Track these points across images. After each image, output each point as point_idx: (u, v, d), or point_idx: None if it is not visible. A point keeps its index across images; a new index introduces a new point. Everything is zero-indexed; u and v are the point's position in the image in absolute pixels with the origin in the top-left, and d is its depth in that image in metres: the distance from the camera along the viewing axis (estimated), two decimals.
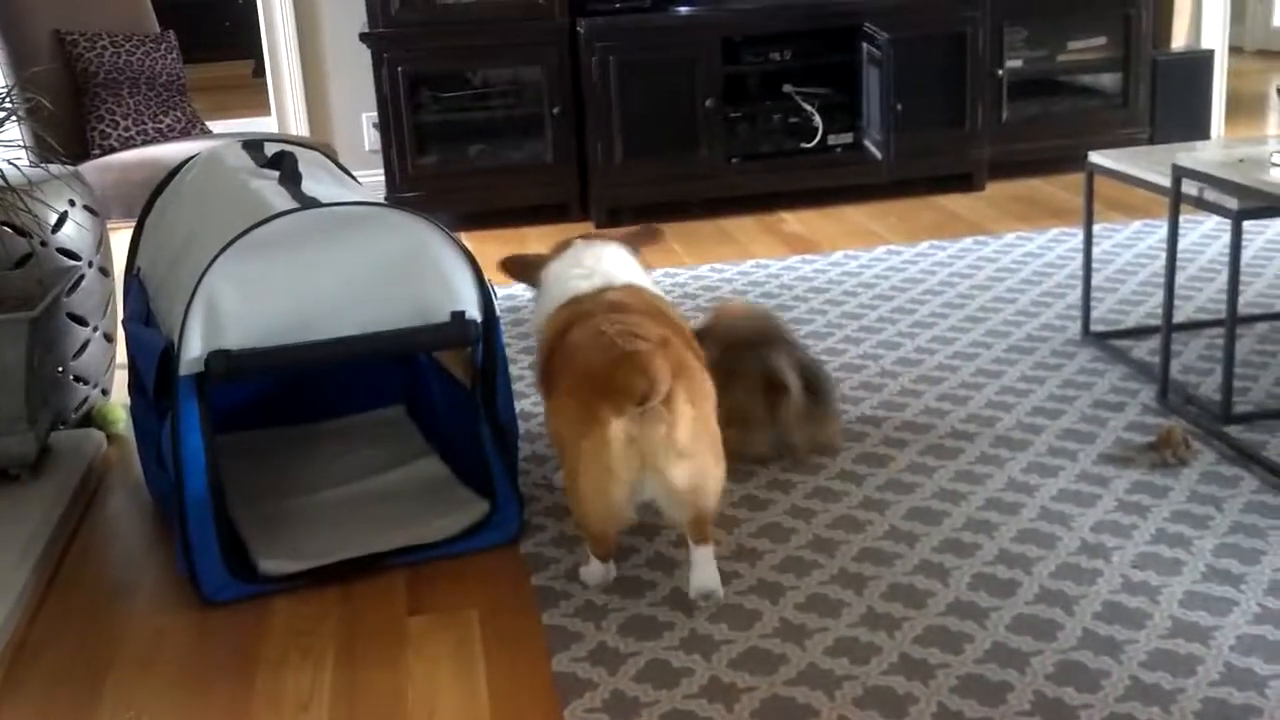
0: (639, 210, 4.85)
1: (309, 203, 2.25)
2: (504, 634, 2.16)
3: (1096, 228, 4.29)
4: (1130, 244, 4.14)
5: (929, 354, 3.27)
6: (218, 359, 2.17)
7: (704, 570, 2.18)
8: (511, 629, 2.18)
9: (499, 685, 2.02)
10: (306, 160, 2.65)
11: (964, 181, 5.03)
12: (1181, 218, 4.13)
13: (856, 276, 3.97)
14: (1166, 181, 2.84)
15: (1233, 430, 2.71)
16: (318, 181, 2.49)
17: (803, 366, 2.69)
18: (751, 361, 2.65)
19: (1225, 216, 2.69)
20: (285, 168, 2.45)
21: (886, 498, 2.53)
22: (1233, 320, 2.72)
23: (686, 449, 2.07)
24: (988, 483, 2.56)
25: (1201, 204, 2.78)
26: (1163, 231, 4.16)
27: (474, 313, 2.33)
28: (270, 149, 2.68)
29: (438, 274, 2.30)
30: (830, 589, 2.22)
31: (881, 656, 2.02)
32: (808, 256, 4.23)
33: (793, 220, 4.75)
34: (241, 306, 2.18)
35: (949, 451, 2.71)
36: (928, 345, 3.34)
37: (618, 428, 2.02)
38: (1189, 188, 2.79)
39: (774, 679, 1.97)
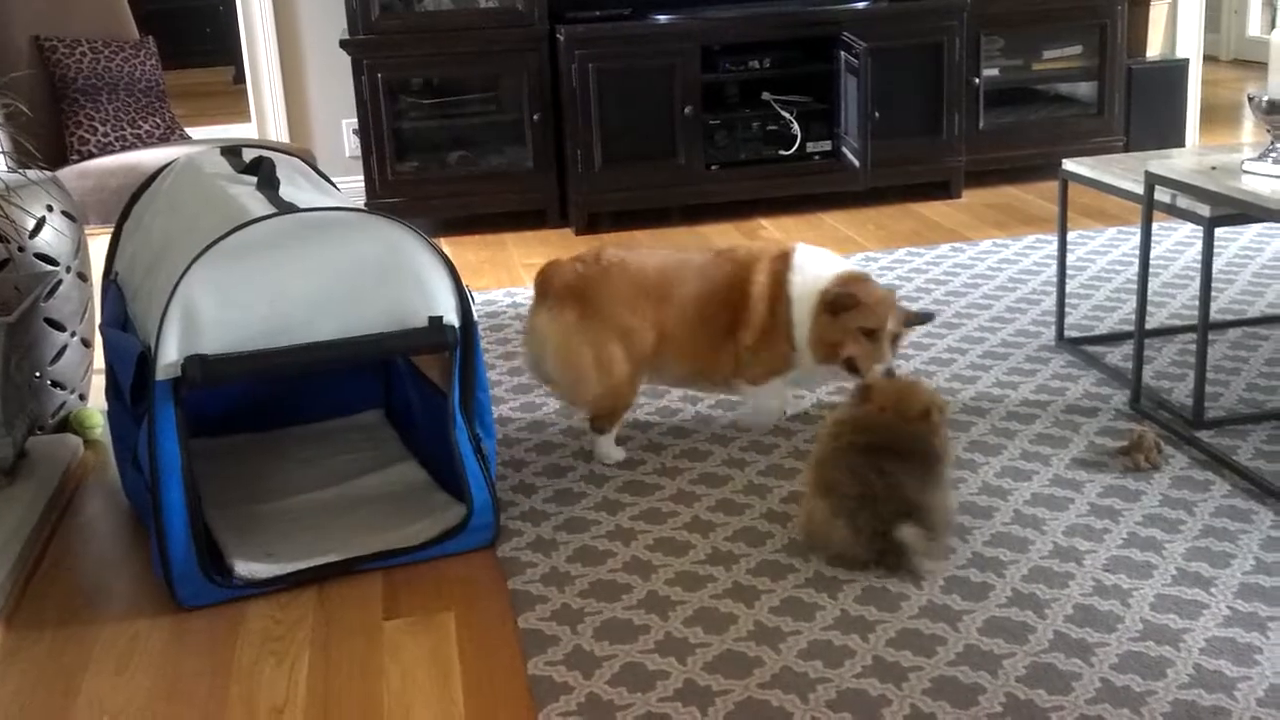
0: (618, 217, 4.87)
1: (286, 208, 2.26)
2: (480, 638, 2.17)
3: (1072, 235, 4.33)
4: (1104, 251, 4.17)
5: (905, 360, 3.29)
6: (194, 364, 2.17)
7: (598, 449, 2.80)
8: (488, 633, 2.18)
9: (475, 689, 2.03)
10: (284, 166, 2.65)
11: (941, 189, 5.06)
12: (1155, 225, 4.17)
13: None
14: (1139, 189, 2.86)
15: (1204, 435, 2.73)
16: (295, 187, 2.50)
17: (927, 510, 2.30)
18: (863, 487, 2.28)
19: (1197, 223, 2.71)
20: (263, 173, 2.46)
21: None
22: (1205, 326, 2.74)
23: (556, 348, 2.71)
24: (962, 487, 2.58)
25: (1174, 211, 2.81)
26: (1136, 238, 4.19)
27: (451, 318, 2.34)
28: (248, 155, 2.69)
29: (415, 279, 2.31)
30: (805, 592, 2.23)
31: (855, 659, 2.03)
32: None
33: (771, 227, 4.77)
34: (218, 312, 2.19)
35: None
36: (904, 351, 3.36)
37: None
38: (1162, 195, 2.82)
39: (748, 681, 1.99)
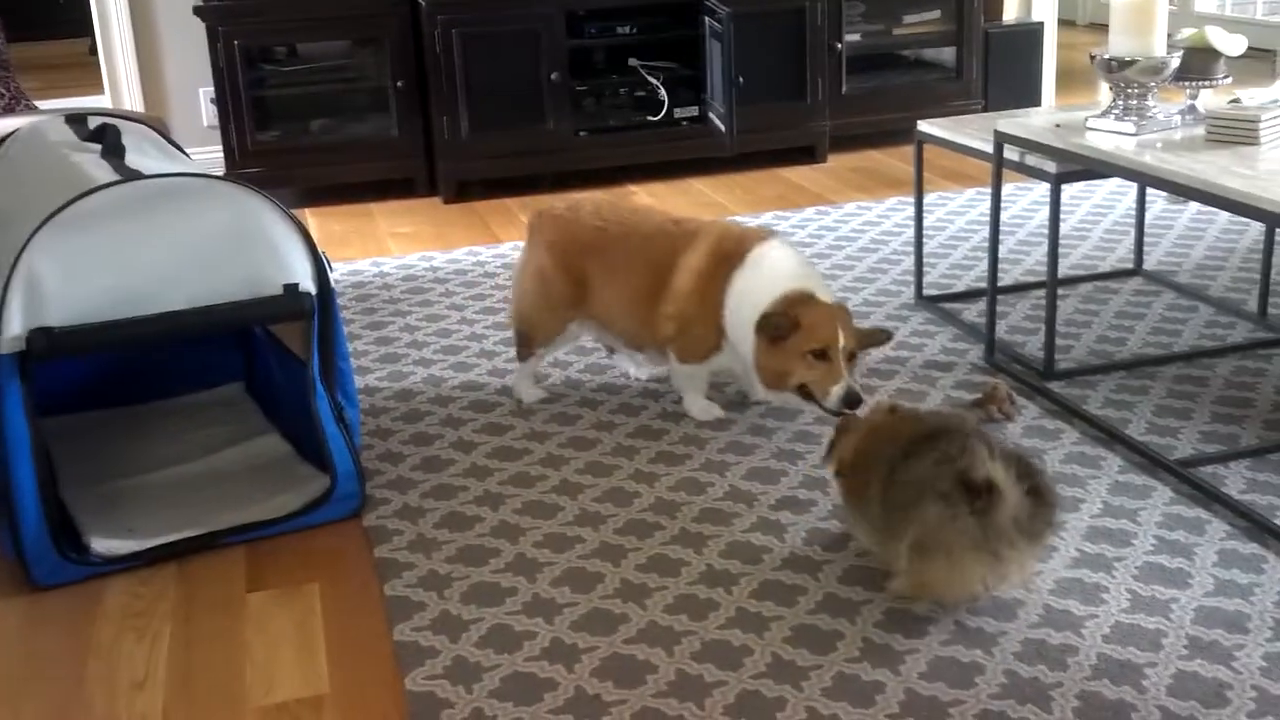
0: (487, 185, 4.83)
1: (131, 175, 2.20)
2: (345, 607, 2.16)
3: (932, 196, 4.43)
4: (963, 211, 4.27)
5: None
6: (39, 337, 2.10)
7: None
8: (353, 602, 2.17)
9: (340, 658, 2.02)
10: (132, 133, 2.58)
11: (806, 154, 5.13)
12: (1011, 185, 4.28)
13: None
14: (989, 148, 2.94)
15: (1055, 386, 2.83)
16: (143, 155, 2.43)
17: (1012, 458, 1.96)
18: (936, 460, 1.96)
19: (1045, 180, 2.80)
20: (108, 141, 2.39)
21: (727, 459, 2.59)
22: (1054, 282, 2.83)
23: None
24: (823, 442, 2.62)
25: (1023, 169, 2.89)
26: None
27: (307, 285, 2.30)
28: (94, 123, 2.61)
29: (268, 246, 2.27)
30: (671, 549, 2.26)
31: (719, 612, 2.06)
32: None
33: (641, 193, 4.79)
34: (63, 283, 2.12)
35: (788, 414, 2.77)
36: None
37: None
38: (1012, 154, 2.90)
39: (614, 638, 2.01)
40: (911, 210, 4.28)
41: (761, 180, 4.90)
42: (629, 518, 2.38)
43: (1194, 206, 4.11)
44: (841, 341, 2.47)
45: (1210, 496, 2.31)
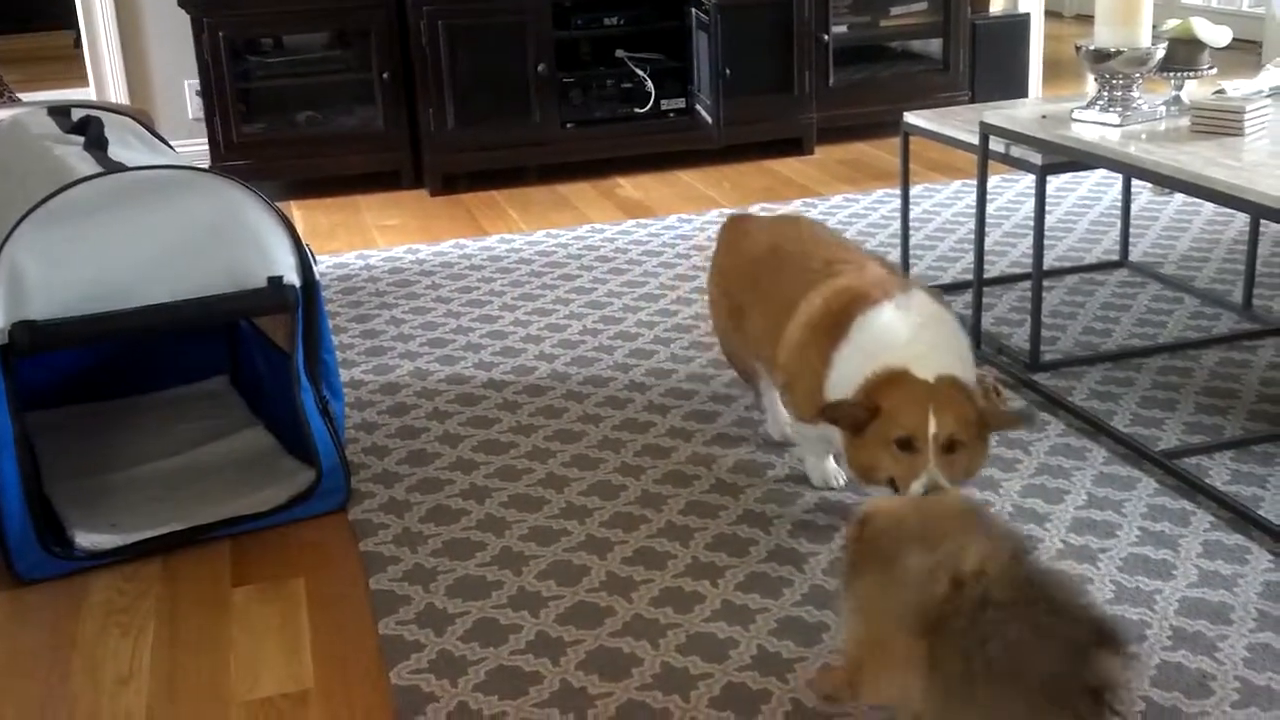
0: (474, 177, 4.82)
1: (114, 167, 2.19)
2: (330, 601, 2.15)
3: (919, 188, 4.43)
4: (950, 203, 4.27)
5: None
6: (22, 330, 2.09)
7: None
8: (338, 596, 2.17)
9: (324, 652, 2.01)
10: (115, 126, 2.57)
11: (793, 146, 5.12)
12: (997, 177, 4.28)
13: (690, 240, 4.02)
14: (975, 139, 2.94)
15: (1041, 378, 2.83)
16: (126, 147, 2.42)
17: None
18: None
19: (1030, 171, 2.80)
20: (91, 133, 2.37)
21: (714, 452, 2.58)
22: (1039, 273, 2.84)
23: None
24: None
25: (1009, 160, 2.89)
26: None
27: (292, 278, 2.29)
28: (77, 115, 2.59)
29: (252, 239, 2.26)
30: (657, 543, 2.26)
31: (705, 604, 2.07)
32: (642, 221, 4.26)
33: (628, 185, 4.78)
34: (46, 276, 2.11)
35: None
36: None
37: None
38: (997, 145, 2.90)
39: (600, 631, 2.01)
40: (898, 202, 4.29)
41: (749, 172, 4.89)
42: (615, 510, 2.38)
43: (1179, 198, 4.12)
44: (933, 428, 2.02)
45: (1195, 488, 2.31)
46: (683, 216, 4.28)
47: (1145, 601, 2.00)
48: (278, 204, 2.34)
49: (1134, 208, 4.01)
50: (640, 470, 2.53)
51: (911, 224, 4.00)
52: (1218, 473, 2.37)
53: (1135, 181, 4.12)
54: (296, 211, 4.57)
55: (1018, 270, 3.56)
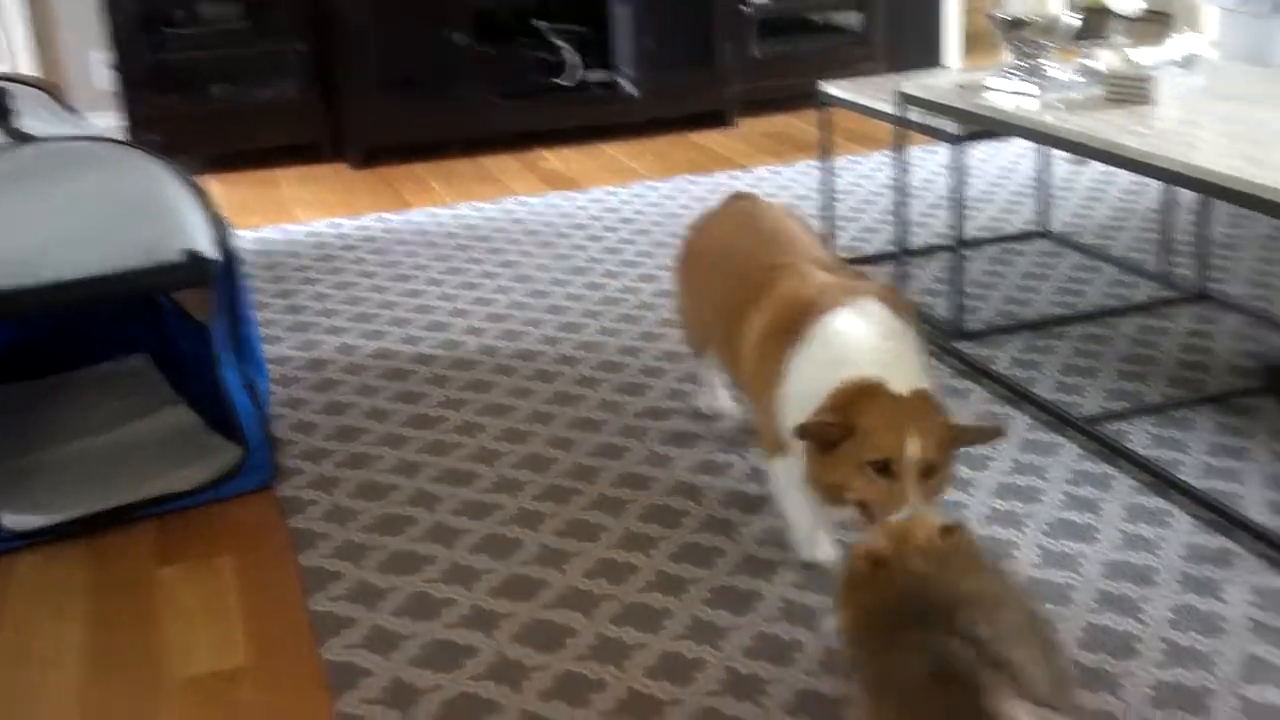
0: (396, 150, 4.76)
1: (22, 138, 2.13)
2: (260, 579, 2.12)
3: (842, 160, 4.46)
4: (873, 174, 4.31)
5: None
6: None
7: None
8: (267, 573, 2.14)
9: (255, 630, 1.99)
10: (25, 97, 2.50)
11: (717, 119, 5.13)
12: (920, 149, 4.32)
13: (615, 212, 4.01)
14: (892, 109, 2.96)
15: (964, 347, 2.87)
16: (36, 119, 2.36)
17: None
18: None
19: (947, 141, 2.83)
20: None
21: (644, 424, 2.59)
22: (959, 243, 2.87)
23: None
24: (739, 404, 2.64)
25: (926, 130, 2.92)
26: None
27: (209, 251, 2.25)
28: None
29: (167, 213, 2.21)
30: (590, 515, 2.26)
31: (638, 575, 2.07)
32: (567, 193, 4.24)
33: (552, 158, 4.75)
34: None
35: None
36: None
37: None
38: (914, 115, 2.92)
39: (534, 603, 2.00)
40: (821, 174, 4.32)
41: (673, 145, 4.89)
42: (547, 483, 2.37)
43: (1096, 168, 4.19)
44: (912, 451, 1.83)
45: (1116, 453, 2.36)
46: (607, 189, 4.27)
47: (1070, 565, 2.04)
48: (194, 179, 2.28)
49: (1053, 178, 4.07)
50: (571, 443, 2.52)
51: (835, 196, 4.02)
52: (1138, 438, 2.42)
53: (1053, 152, 4.18)
54: (215, 186, 4.49)
55: (940, 241, 3.60)
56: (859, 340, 1.95)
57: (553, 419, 2.62)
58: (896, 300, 2.07)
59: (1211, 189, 2.10)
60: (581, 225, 3.89)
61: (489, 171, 4.58)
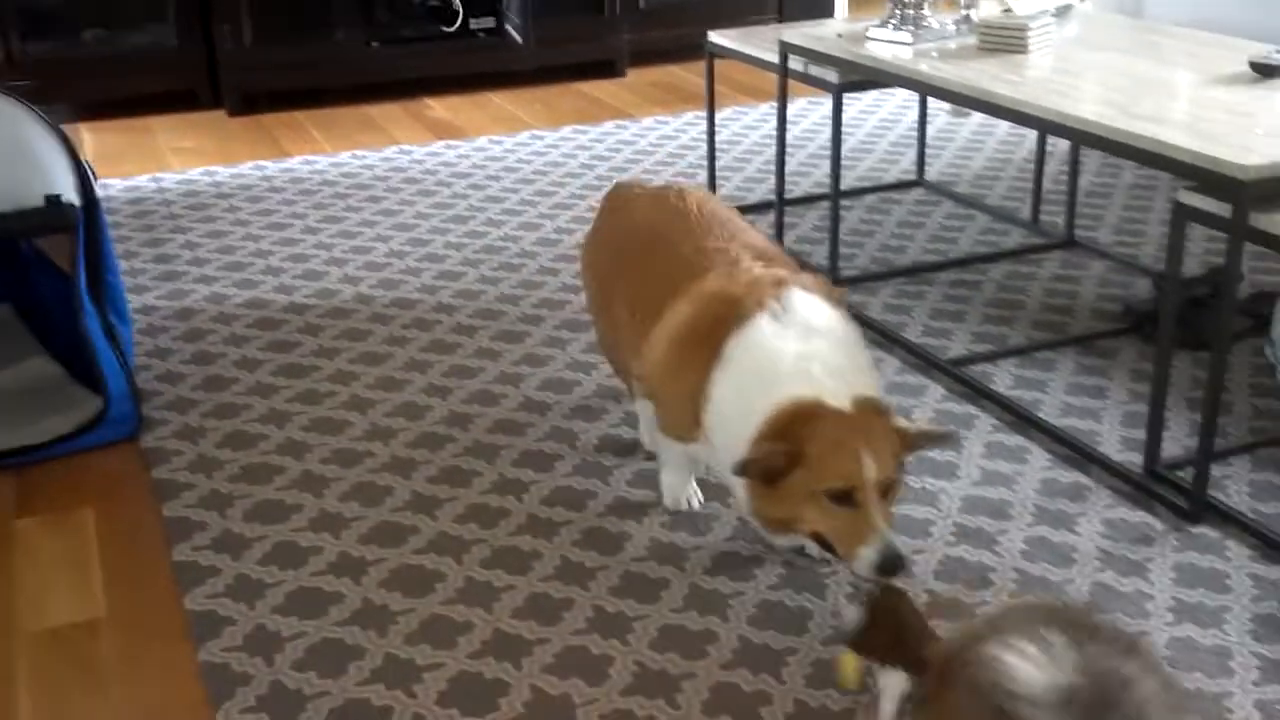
0: (274, 97, 4.66)
1: None
2: (122, 530, 2.08)
3: (729, 111, 4.47)
4: (758, 125, 4.33)
5: (567, 233, 3.33)
6: None
7: None
8: (130, 525, 2.10)
9: (116, 581, 1.95)
10: None
11: (606, 68, 5.10)
12: (804, 100, 4.34)
13: (500, 161, 3.98)
14: (776, 58, 2.97)
15: (838, 293, 2.90)
16: None
17: None
18: None
19: (827, 90, 2.85)
20: None
21: (521, 371, 2.58)
22: (836, 192, 2.90)
23: None
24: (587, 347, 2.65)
25: (807, 79, 2.93)
26: (789, 112, 4.36)
27: (71, 196, 2.19)
28: None
29: (26, 156, 2.14)
30: (463, 461, 2.25)
31: (510, 519, 2.07)
32: (452, 142, 4.19)
33: (438, 106, 4.69)
34: None
35: (583, 325, 2.78)
36: (567, 226, 3.40)
37: None
38: (797, 65, 2.94)
39: (404, 549, 2.00)
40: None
41: (561, 94, 4.85)
42: (421, 431, 2.36)
43: (976, 119, 4.25)
44: (871, 473, 1.68)
45: (979, 393, 2.41)
46: (493, 138, 4.23)
47: (931, 501, 2.09)
48: (65, 126, 2.21)
49: (931, 129, 4.13)
50: (447, 391, 2.51)
51: (720, 146, 4.04)
52: (1001, 378, 2.48)
53: (933, 103, 4.23)
54: (86, 134, 4.35)
55: (820, 190, 3.63)
56: (788, 352, 1.77)
57: (429, 367, 2.61)
58: (826, 291, 1.91)
59: (1081, 136, 2.15)
60: (464, 174, 3.85)
61: (372, 120, 4.51)
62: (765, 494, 1.74)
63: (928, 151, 3.85)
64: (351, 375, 2.58)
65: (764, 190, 3.65)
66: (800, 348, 1.78)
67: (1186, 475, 2.06)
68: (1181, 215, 1.98)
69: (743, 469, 1.72)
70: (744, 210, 3.47)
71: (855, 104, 4.45)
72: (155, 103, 4.61)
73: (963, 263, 3.06)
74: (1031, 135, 3.91)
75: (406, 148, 4.13)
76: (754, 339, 1.81)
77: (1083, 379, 2.47)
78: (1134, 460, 2.16)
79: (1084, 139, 2.14)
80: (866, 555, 1.66)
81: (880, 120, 4.32)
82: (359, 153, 4.08)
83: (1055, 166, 3.69)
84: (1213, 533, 1.98)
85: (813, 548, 1.87)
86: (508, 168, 3.90)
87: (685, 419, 1.90)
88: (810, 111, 4.44)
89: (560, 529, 2.04)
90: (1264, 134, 1.97)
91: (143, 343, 2.70)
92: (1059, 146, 3.79)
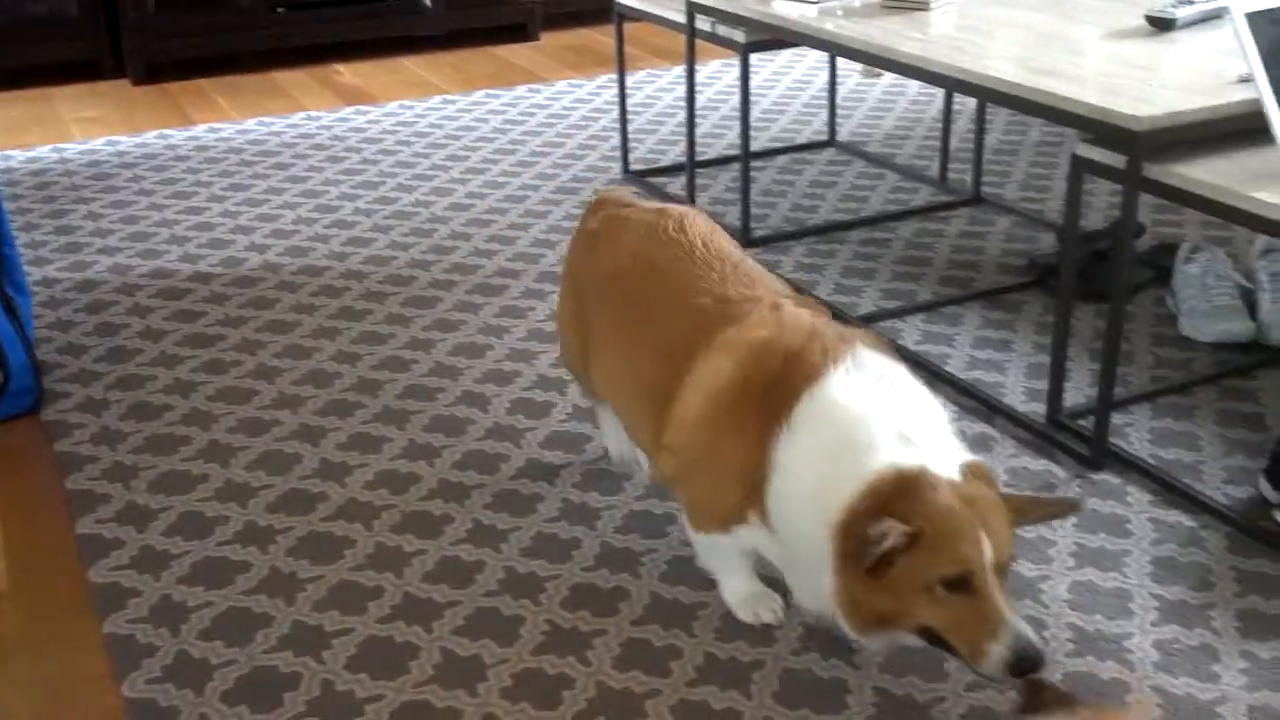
0: (179, 65, 4.56)
1: None
2: (22, 505, 2.04)
3: (642, 74, 4.45)
4: (671, 88, 4.31)
5: (480, 199, 3.31)
6: None
7: None
8: (31, 499, 2.06)
9: (17, 555, 1.91)
10: None
11: (519, 31, 5.06)
12: (718, 62, 4.33)
13: (411, 126, 3.93)
14: (683, 18, 2.96)
15: (751, 253, 2.90)
16: None
17: None
18: None
19: (735, 50, 2.85)
20: None
21: (433, 336, 2.56)
22: (746, 153, 2.91)
23: None
24: (530, 316, 2.64)
25: (715, 39, 2.93)
26: (702, 75, 4.36)
27: None
28: None
29: None
30: (371, 428, 2.23)
31: (421, 484, 2.06)
32: (362, 108, 4.14)
33: (348, 72, 4.62)
34: None
35: (495, 289, 2.77)
36: (479, 190, 3.37)
37: None
38: (704, 24, 2.93)
39: (312, 517, 1.98)
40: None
41: (473, 59, 4.81)
42: (330, 398, 2.33)
43: (888, 79, 4.28)
44: (990, 554, 1.44)
45: None
46: (404, 103, 4.18)
47: None
48: None
49: (843, 90, 4.15)
50: (357, 358, 2.48)
51: (633, 109, 4.02)
52: (910, 333, 2.51)
53: (844, 65, 4.25)
54: None
55: (732, 152, 3.63)
56: (877, 412, 1.51)
57: (338, 334, 2.58)
58: (875, 340, 1.64)
59: (983, 92, 2.16)
60: (374, 140, 3.80)
61: (280, 86, 4.43)
62: (865, 585, 1.44)
63: (839, 112, 3.87)
64: (258, 344, 2.54)
65: (676, 152, 3.65)
66: (887, 407, 1.52)
67: (1088, 424, 2.10)
68: (1079, 168, 2.01)
69: (851, 547, 1.43)
70: (658, 172, 3.48)
71: (768, 65, 4.46)
72: (57, 73, 4.50)
73: (873, 221, 3.08)
74: (940, 94, 3.94)
75: (315, 114, 4.07)
76: (832, 398, 1.53)
77: (989, 332, 2.51)
78: (1038, 410, 2.20)
79: (986, 95, 2.16)
80: (998, 652, 1.41)
81: (793, 82, 4.33)
82: (266, 120, 4.01)
83: (964, 125, 3.73)
84: (1114, 479, 2.02)
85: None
86: (419, 133, 3.86)
87: (731, 498, 1.61)
88: (724, 74, 4.44)
89: (472, 492, 2.04)
90: (1159, 86, 2.00)
91: (44, 315, 2.64)
92: (968, 105, 3.83)
